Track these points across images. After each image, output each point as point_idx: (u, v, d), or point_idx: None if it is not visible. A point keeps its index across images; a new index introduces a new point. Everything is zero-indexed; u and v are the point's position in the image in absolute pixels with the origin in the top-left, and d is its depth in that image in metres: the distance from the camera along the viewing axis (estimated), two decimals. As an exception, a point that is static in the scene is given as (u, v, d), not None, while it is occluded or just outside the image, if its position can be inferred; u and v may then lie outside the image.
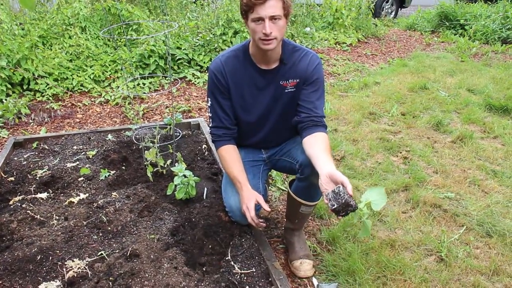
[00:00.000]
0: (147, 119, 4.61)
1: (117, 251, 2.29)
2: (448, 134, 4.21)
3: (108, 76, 5.56)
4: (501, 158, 3.76)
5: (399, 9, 11.32)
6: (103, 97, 5.13)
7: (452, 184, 3.33)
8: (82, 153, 3.46)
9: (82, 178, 3.04)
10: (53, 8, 6.52)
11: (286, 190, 2.62)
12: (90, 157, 3.40)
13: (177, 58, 5.85)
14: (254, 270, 2.19)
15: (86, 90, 5.28)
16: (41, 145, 3.59)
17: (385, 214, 2.96)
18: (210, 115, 2.35)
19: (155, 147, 3.03)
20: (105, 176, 3.07)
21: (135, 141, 3.49)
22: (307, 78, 2.22)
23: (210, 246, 2.34)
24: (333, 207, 1.78)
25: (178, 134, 3.66)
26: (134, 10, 6.49)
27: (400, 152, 3.82)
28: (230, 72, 2.24)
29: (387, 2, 10.79)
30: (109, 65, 5.68)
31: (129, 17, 6.34)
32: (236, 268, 2.20)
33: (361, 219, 1.89)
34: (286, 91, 2.25)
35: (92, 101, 5.07)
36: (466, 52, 7.52)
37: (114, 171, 3.16)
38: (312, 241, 2.69)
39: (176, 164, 2.97)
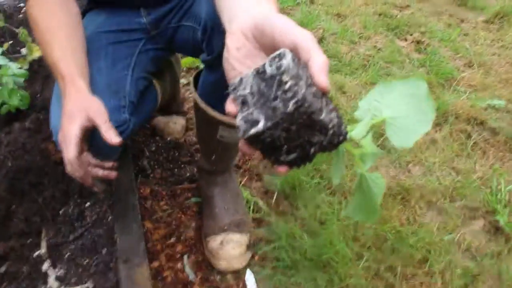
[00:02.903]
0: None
1: None
2: (480, 11, 2.82)
3: None
4: None
5: None
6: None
7: (498, 84, 2.02)
8: None
9: None
10: None
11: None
12: None
13: None
14: (91, 287, 0.92)
15: None
16: None
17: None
18: None
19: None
20: None
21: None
22: None
23: (22, 215, 1.06)
24: (253, 129, 0.48)
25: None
26: None
27: (411, 34, 2.44)
28: None
29: None
30: None
31: None
32: (51, 279, 0.93)
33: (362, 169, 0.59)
34: None
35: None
36: None
37: None
38: (254, 192, 1.42)
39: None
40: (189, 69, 1.96)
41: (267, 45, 0.52)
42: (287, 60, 0.46)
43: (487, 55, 2.26)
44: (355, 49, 2.25)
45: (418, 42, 2.35)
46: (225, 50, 0.56)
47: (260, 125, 0.47)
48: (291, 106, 0.45)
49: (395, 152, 1.58)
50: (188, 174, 1.45)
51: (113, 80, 1.03)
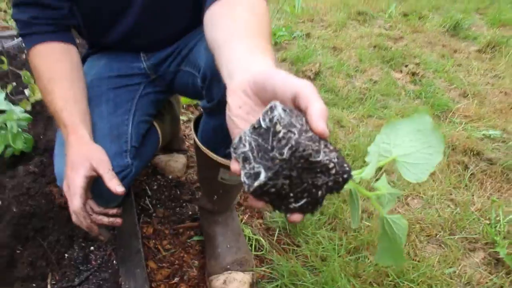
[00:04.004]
0: None
1: None
2: (472, 41, 2.90)
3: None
4: (555, 73, 2.49)
5: None
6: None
7: (493, 114, 2.06)
8: None
9: None
10: None
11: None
12: None
13: None
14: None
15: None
16: None
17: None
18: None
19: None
20: None
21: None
22: None
23: (29, 259, 1.08)
24: (256, 182, 0.50)
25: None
26: None
27: (406, 66, 2.50)
28: None
29: None
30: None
31: None
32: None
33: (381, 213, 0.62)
34: None
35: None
36: None
37: None
38: (255, 229, 1.43)
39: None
40: (188, 106, 1.99)
41: (269, 100, 0.54)
42: (278, 111, 0.49)
43: (481, 85, 2.31)
44: (352, 82, 2.30)
45: (413, 73, 2.40)
46: (227, 108, 0.59)
47: (262, 177, 0.49)
48: (286, 152, 0.47)
49: (394, 186, 1.61)
50: (190, 212, 1.47)
51: (115, 125, 1.06)
